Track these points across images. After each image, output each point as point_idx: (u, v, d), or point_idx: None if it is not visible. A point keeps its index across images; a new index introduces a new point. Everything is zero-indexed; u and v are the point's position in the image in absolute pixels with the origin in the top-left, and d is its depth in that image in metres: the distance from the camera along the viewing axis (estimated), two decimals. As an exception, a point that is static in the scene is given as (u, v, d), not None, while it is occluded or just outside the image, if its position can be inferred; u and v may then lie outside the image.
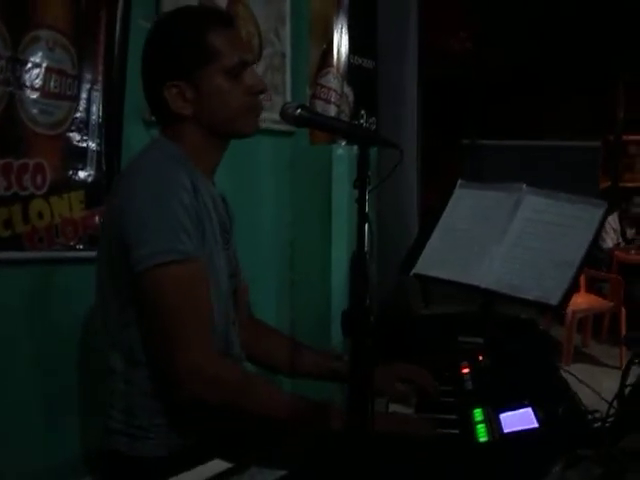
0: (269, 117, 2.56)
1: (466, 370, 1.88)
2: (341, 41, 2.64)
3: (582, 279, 5.23)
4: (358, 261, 1.23)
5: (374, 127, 2.85)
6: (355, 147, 2.75)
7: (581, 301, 5.19)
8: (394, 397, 1.77)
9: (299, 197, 2.72)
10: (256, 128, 1.60)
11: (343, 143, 2.72)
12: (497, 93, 6.98)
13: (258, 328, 1.84)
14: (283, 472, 1.21)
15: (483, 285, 2.03)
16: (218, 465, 1.22)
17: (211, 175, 1.61)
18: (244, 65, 1.55)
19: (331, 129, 1.53)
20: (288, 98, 2.62)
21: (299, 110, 1.43)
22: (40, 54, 1.83)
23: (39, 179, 1.84)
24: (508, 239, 2.08)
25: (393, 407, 1.75)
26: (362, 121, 2.80)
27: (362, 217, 1.32)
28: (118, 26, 2.00)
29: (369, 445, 1.16)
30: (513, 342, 2.03)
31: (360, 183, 1.37)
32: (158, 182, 1.41)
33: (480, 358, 1.93)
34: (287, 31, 2.59)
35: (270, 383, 1.52)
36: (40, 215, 1.85)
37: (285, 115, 1.45)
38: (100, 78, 1.98)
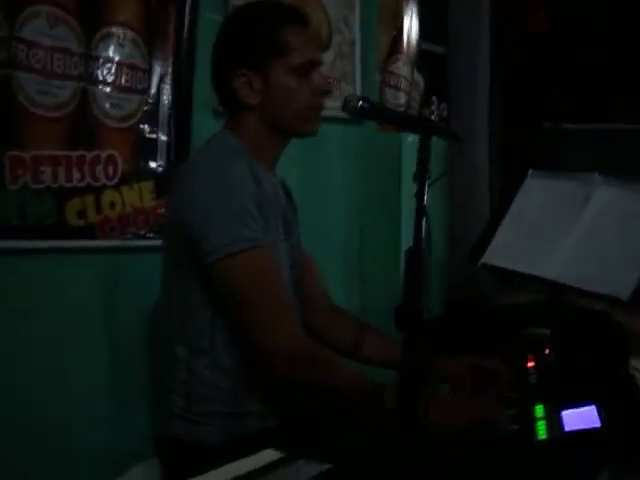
0: (337, 106, 2.57)
1: (532, 363, 1.85)
2: (411, 27, 2.61)
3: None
4: (413, 257, 1.23)
5: (445, 113, 2.81)
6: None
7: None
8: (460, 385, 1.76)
9: (368, 186, 2.71)
10: (316, 129, 1.62)
11: (413, 130, 2.70)
12: (586, 74, 6.67)
13: (332, 311, 1.87)
14: (329, 466, 1.23)
15: (551, 277, 1.99)
16: (270, 455, 1.25)
17: (272, 167, 1.64)
18: (313, 65, 1.58)
19: (392, 120, 1.53)
20: (358, 86, 2.61)
21: (361, 102, 1.45)
22: (112, 50, 1.89)
23: (111, 170, 1.91)
24: (578, 231, 2.03)
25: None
26: (433, 107, 2.76)
27: (420, 211, 1.33)
28: (187, 20, 2.04)
29: (422, 439, 1.17)
30: (583, 335, 1.99)
31: (420, 176, 1.37)
32: (220, 173, 1.45)
33: (547, 351, 1.90)
34: (356, 18, 2.57)
35: (346, 363, 1.56)
36: (112, 205, 1.92)
37: (347, 107, 1.47)
38: (170, 71, 2.03)
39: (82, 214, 1.86)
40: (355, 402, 1.45)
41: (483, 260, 2.18)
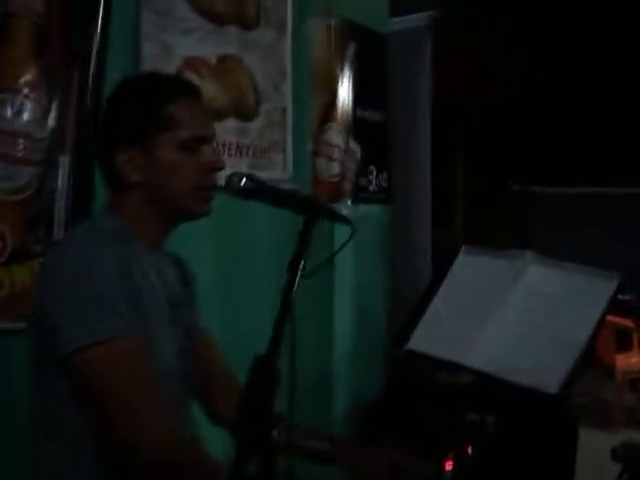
0: (266, 176, 2.45)
1: (449, 465, 1.69)
2: (346, 94, 2.51)
3: (634, 336, 4.89)
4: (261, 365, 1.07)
5: (385, 183, 2.70)
6: (361, 206, 2.64)
7: (635, 361, 4.84)
8: None
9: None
10: (207, 210, 1.49)
11: (349, 202, 2.58)
12: (555, 134, 6.59)
13: (235, 395, 1.70)
14: None
15: (474, 366, 1.84)
16: None
17: (157, 248, 1.50)
18: (201, 141, 1.46)
19: (277, 201, 1.40)
20: (289, 156, 2.50)
21: (244, 180, 1.33)
22: (3, 118, 1.77)
23: (-1, 246, 1.77)
24: (506, 313, 1.88)
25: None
26: (371, 177, 2.65)
27: (284, 310, 1.19)
28: (90, 81, 1.93)
29: None
30: (514, 426, 1.84)
31: (292, 266, 1.24)
32: (81, 261, 1.31)
33: (469, 451, 1.74)
34: (288, 85, 2.48)
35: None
36: (0, 284, 1.78)
37: (230, 186, 1.35)
38: (71, 139, 1.91)
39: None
40: None
41: (408, 346, 2.03)
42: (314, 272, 1.28)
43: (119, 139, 1.42)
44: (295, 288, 1.22)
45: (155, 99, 1.43)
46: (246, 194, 1.34)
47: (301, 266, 1.25)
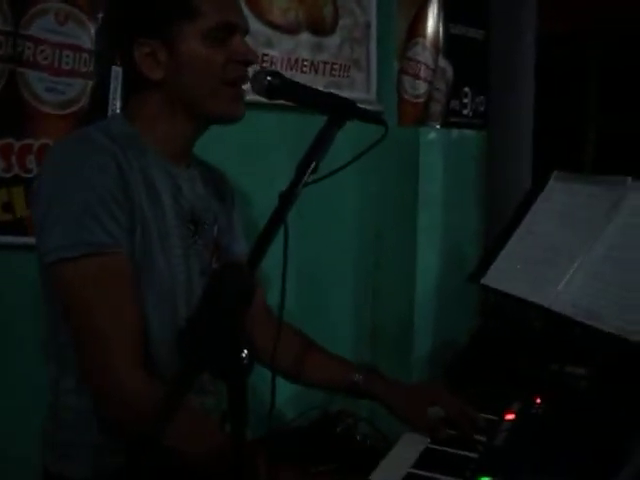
0: (347, 96, 2.26)
1: (510, 416, 1.48)
2: (435, 7, 2.26)
3: None
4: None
5: (482, 107, 2.43)
6: (453, 130, 2.40)
7: None
8: (421, 427, 1.44)
9: (385, 187, 2.39)
10: (239, 113, 1.34)
11: (437, 125, 2.35)
12: None
13: (273, 328, 1.57)
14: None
15: (553, 307, 1.60)
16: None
17: (181, 156, 1.38)
18: (230, 29, 1.30)
19: (303, 101, 1.24)
20: (373, 74, 2.30)
21: (269, 78, 1.18)
22: (47, 28, 1.69)
23: (45, 161, 1.72)
24: (597, 250, 1.62)
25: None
26: (466, 100, 2.40)
27: (277, 217, 1.03)
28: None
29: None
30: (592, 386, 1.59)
31: (301, 165, 1.09)
32: (70, 165, 1.21)
33: (537, 401, 1.52)
34: (372, -2, 2.27)
35: (199, 418, 1.25)
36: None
37: (255, 84, 1.22)
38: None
39: (8, 207, 1.68)
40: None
41: (484, 281, 1.82)
42: (323, 177, 1.11)
43: (137, 30, 1.28)
44: (298, 191, 1.06)
45: None
46: (272, 93, 1.20)
47: (310, 168, 1.08)
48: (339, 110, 1.16)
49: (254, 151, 2.09)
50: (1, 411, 1.73)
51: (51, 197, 1.19)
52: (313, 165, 1.08)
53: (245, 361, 0.87)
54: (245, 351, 0.87)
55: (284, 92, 1.22)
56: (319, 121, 1.16)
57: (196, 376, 0.86)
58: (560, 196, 1.83)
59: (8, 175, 1.68)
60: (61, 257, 1.17)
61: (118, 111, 1.76)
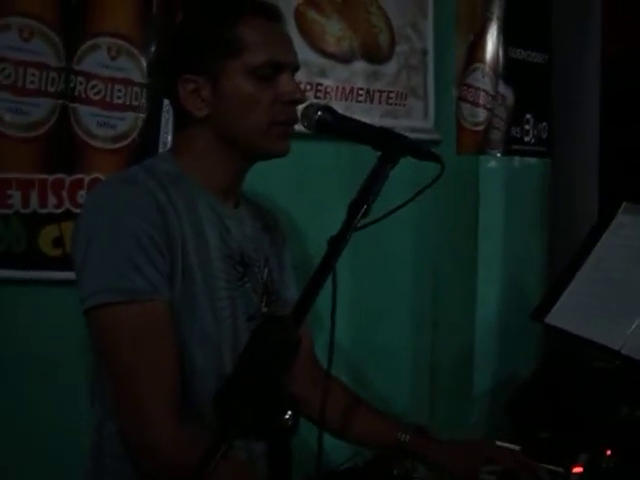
0: (405, 125, 2.22)
1: (578, 469, 1.38)
2: (495, 31, 2.19)
3: None
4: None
5: (545, 134, 2.34)
6: (514, 159, 2.31)
7: None
8: None
9: (444, 219, 2.31)
10: (285, 149, 1.30)
11: (498, 153, 2.26)
12: None
13: (318, 379, 1.51)
14: None
15: (624, 351, 1.50)
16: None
17: (230, 193, 1.34)
18: (277, 67, 1.26)
19: (354, 136, 1.19)
20: (430, 102, 2.23)
21: (319, 113, 1.14)
22: (99, 63, 1.69)
23: (96, 196, 1.70)
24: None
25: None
26: (527, 127, 2.31)
27: (327, 263, 0.97)
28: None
29: None
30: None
31: (353, 206, 1.03)
32: (111, 205, 1.18)
33: (608, 453, 1.42)
34: (429, 24, 2.20)
35: (244, 470, 1.20)
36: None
37: (304, 119, 1.18)
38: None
39: (59, 243, 1.68)
40: None
41: (548, 319, 1.72)
42: (375, 221, 1.06)
43: (182, 67, 1.26)
44: (349, 235, 1.00)
45: (219, 19, 1.25)
46: (322, 128, 1.16)
47: (362, 210, 1.02)
48: (393, 147, 1.10)
49: (305, 183, 2.05)
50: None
51: (90, 241, 1.16)
52: (365, 208, 1.02)
53: (289, 422, 0.82)
54: (289, 412, 0.82)
55: (335, 127, 1.17)
56: (374, 152, 1.12)
57: (236, 438, 0.81)
58: (630, 230, 1.73)
59: (59, 210, 1.68)
60: (97, 303, 1.14)
61: (169, 144, 1.74)
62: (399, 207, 1.12)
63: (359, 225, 1.02)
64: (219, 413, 0.80)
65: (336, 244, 0.98)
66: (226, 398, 0.79)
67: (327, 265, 0.97)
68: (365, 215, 1.03)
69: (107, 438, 1.25)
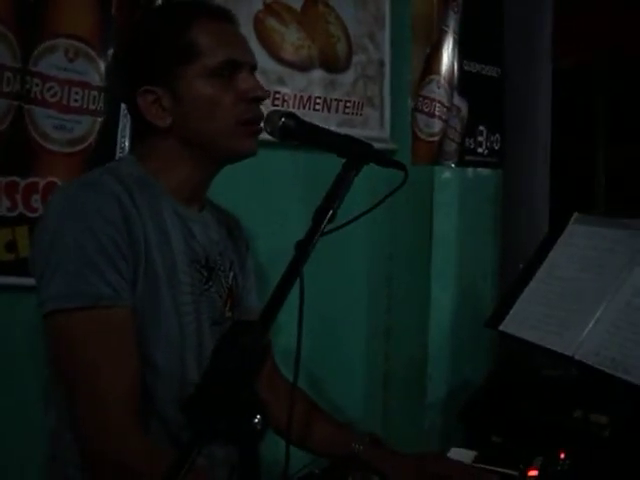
0: (361, 134, 2.24)
1: (533, 473, 1.41)
2: (450, 43, 2.23)
3: None
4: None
5: (497, 146, 2.39)
6: (468, 169, 2.35)
7: None
8: None
9: (398, 228, 2.34)
10: (252, 149, 1.30)
11: (452, 164, 2.30)
12: None
13: (279, 387, 1.51)
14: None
15: (576, 356, 1.54)
16: None
17: (195, 198, 1.33)
18: (235, 66, 1.26)
19: (318, 143, 1.19)
20: (386, 112, 2.26)
21: (283, 119, 1.13)
22: (56, 65, 1.66)
23: (51, 200, 1.67)
24: (622, 296, 1.56)
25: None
26: (481, 138, 2.35)
27: (294, 268, 0.97)
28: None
29: None
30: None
31: (318, 214, 1.03)
32: (73, 208, 1.16)
33: (562, 456, 1.45)
34: (386, 36, 2.23)
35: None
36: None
37: (268, 125, 1.18)
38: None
39: (12, 247, 1.64)
40: None
41: (502, 327, 1.75)
42: (341, 226, 1.07)
43: (139, 80, 1.24)
44: (316, 240, 1.00)
45: (171, 27, 1.24)
46: (286, 134, 1.15)
47: (328, 216, 1.03)
48: (357, 154, 1.11)
49: (265, 192, 2.05)
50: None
51: (52, 244, 1.14)
52: (330, 213, 1.03)
53: (258, 427, 0.81)
54: (258, 416, 0.81)
55: (298, 134, 1.17)
56: (332, 159, 1.12)
57: (206, 444, 0.80)
58: (581, 240, 1.77)
59: (12, 214, 1.64)
60: (58, 308, 1.12)
61: (126, 149, 1.72)
62: (365, 212, 1.13)
63: (325, 231, 1.03)
64: (189, 418, 0.79)
65: (303, 249, 0.99)
66: (196, 403, 0.79)
67: (294, 270, 0.98)
68: (331, 220, 1.04)
69: (61, 446, 1.22)
